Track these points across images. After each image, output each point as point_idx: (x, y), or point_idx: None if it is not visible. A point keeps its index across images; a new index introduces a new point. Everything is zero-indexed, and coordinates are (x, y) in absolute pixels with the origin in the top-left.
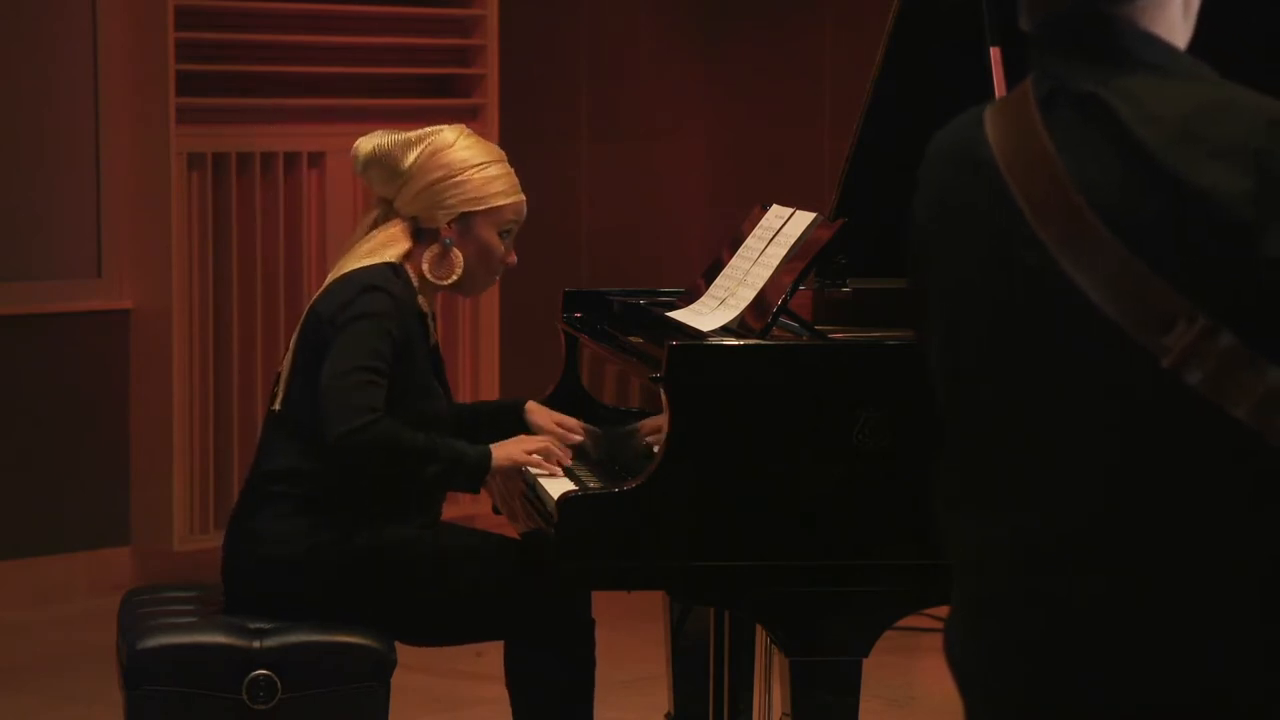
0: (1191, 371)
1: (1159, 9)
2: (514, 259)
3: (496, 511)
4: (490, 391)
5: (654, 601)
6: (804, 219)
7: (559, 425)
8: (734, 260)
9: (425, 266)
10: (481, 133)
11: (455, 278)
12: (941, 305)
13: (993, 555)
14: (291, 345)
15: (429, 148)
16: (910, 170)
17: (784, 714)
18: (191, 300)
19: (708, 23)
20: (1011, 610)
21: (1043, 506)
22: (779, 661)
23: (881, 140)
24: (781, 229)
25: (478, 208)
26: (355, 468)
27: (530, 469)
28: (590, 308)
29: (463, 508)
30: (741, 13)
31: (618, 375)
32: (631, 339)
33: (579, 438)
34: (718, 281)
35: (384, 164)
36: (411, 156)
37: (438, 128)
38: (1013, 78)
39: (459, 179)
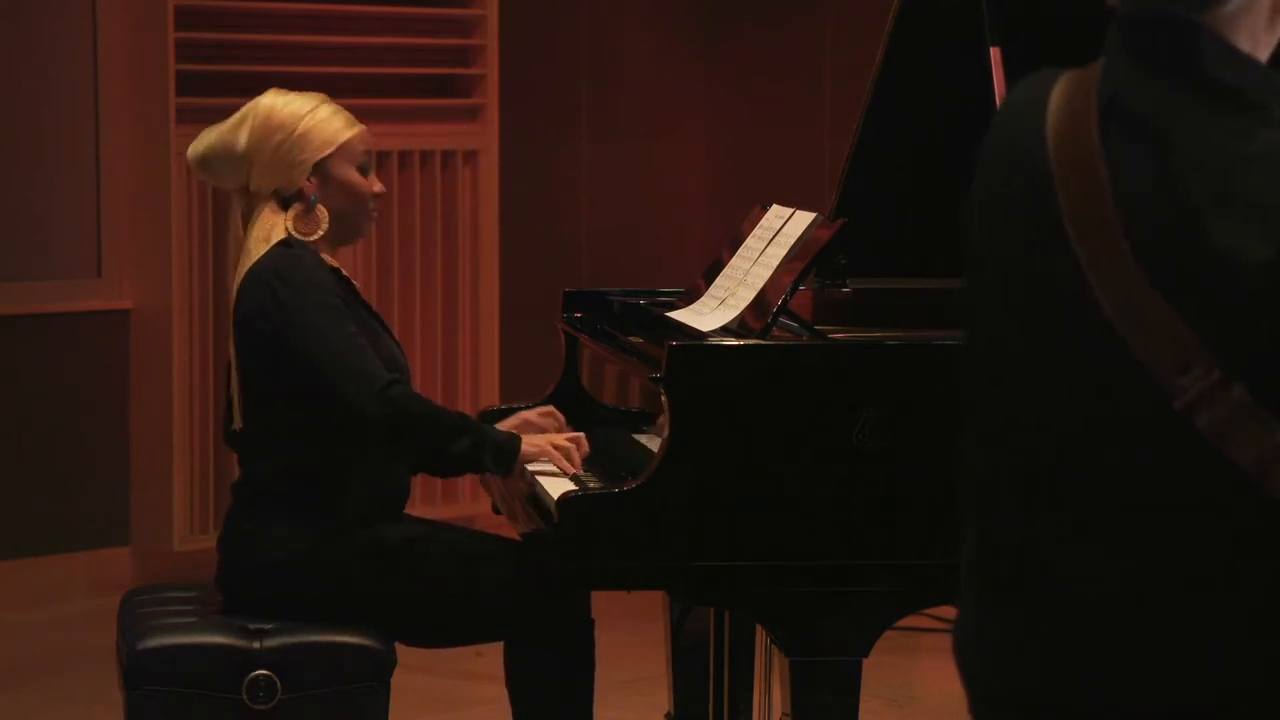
0: (1200, 415)
1: (1245, 17)
2: (380, 187)
3: (497, 511)
4: (490, 391)
5: (654, 601)
6: (804, 219)
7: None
8: (734, 260)
9: (291, 227)
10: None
11: (323, 229)
12: (977, 286)
13: (995, 555)
14: (233, 360)
15: (255, 120)
16: (910, 170)
17: (784, 714)
18: (191, 300)
19: (707, 23)
20: (1012, 610)
21: (1045, 508)
22: (779, 661)
23: (881, 140)
24: (781, 229)
25: (327, 151)
26: (387, 439)
27: (530, 468)
28: (590, 308)
29: (463, 508)
30: (741, 13)
31: (618, 375)
32: (631, 339)
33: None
34: (718, 281)
35: (221, 157)
36: (243, 137)
37: (253, 101)
38: (1013, 78)
39: (297, 133)
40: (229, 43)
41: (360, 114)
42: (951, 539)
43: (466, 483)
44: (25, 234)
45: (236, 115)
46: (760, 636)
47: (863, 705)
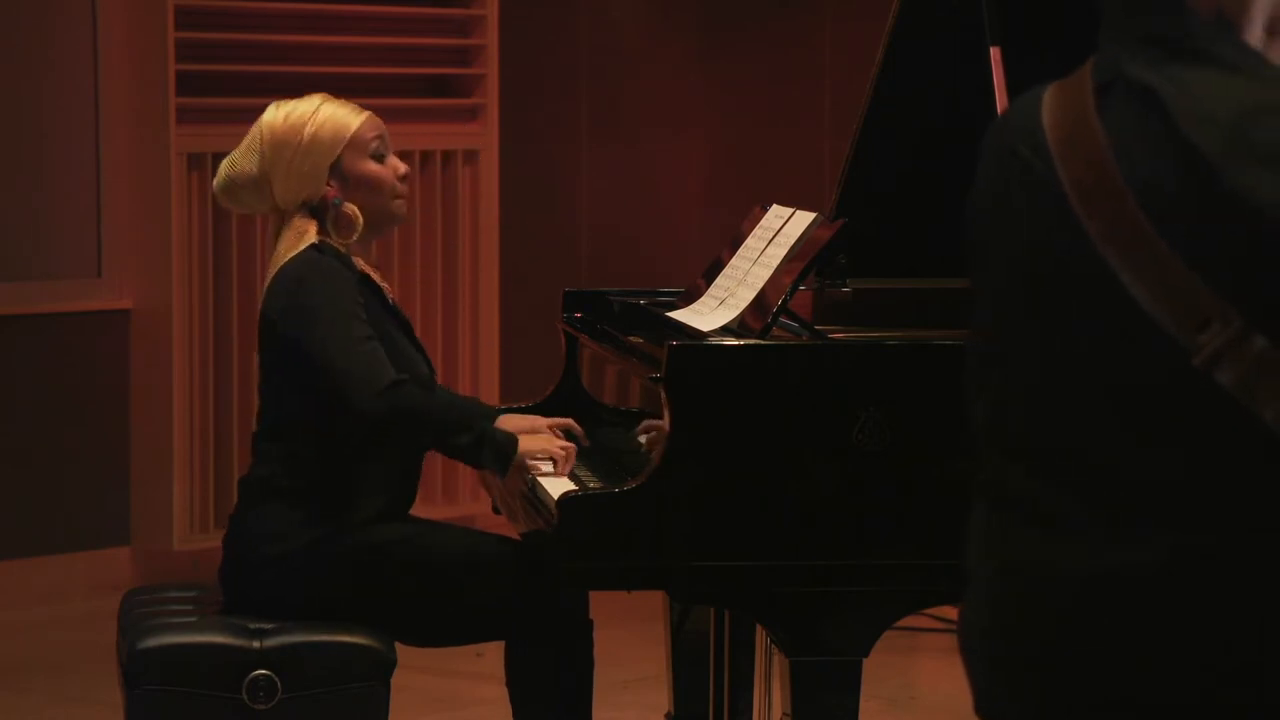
0: (1222, 371)
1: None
2: (404, 167)
3: (496, 511)
4: (490, 391)
5: (654, 601)
6: (804, 219)
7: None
8: (734, 260)
9: (333, 234)
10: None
11: (359, 229)
12: (987, 288)
13: (1022, 534)
14: (258, 359)
15: (263, 140)
16: (910, 170)
17: (784, 714)
18: (191, 300)
19: (708, 22)
20: (1008, 609)
21: (1073, 488)
22: (779, 661)
23: (881, 140)
24: (781, 229)
25: (337, 151)
26: (383, 435)
27: (530, 463)
28: (590, 308)
29: (463, 508)
30: (741, 13)
31: (618, 375)
32: (631, 339)
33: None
34: (718, 281)
35: (241, 184)
36: (256, 159)
37: (257, 121)
38: (1013, 77)
39: (304, 140)
40: (229, 43)
41: None
42: (951, 538)
43: (466, 483)
44: (25, 234)
45: (245, 140)
46: (760, 636)
47: (863, 705)
